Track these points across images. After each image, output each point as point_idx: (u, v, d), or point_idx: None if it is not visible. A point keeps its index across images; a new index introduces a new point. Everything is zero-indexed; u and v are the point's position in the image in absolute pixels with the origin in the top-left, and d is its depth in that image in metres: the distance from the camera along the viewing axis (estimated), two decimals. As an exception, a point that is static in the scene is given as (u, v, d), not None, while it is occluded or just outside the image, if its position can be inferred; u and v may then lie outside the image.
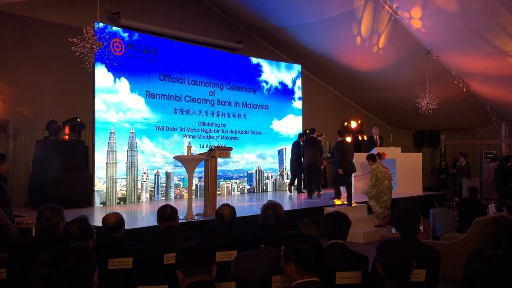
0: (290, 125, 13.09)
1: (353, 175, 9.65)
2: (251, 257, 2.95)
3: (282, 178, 12.83)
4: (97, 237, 3.39)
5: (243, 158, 11.96)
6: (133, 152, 9.72)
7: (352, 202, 9.14)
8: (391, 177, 9.54)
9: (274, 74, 12.83)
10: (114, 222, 3.54)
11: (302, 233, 2.51)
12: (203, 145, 10.83)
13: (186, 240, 3.63)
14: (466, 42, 9.83)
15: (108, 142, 9.34)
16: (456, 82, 11.63)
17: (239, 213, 4.09)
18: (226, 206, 3.87)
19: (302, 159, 10.81)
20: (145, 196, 9.94)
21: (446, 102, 11.53)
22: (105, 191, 9.23)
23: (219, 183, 10.70)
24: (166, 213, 3.76)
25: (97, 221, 6.49)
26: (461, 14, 8.74)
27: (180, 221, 4.12)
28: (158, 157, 10.26)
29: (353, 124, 14.52)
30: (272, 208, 3.83)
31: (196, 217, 7.01)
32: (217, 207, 7.12)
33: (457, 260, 5.11)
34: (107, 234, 3.51)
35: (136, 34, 9.95)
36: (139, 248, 3.53)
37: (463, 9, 8.56)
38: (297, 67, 13.44)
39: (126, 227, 4.56)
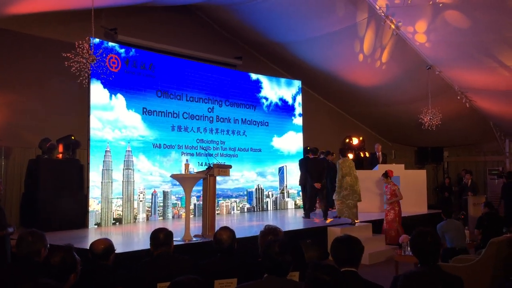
0: (291, 142, 12.83)
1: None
2: (253, 289, 2.64)
3: (283, 197, 12.51)
4: (84, 265, 3.09)
5: (243, 176, 11.66)
6: (129, 170, 9.43)
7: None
8: (400, 193, 9.17)
9: (274, 90, 12.62)
10: (102, 249, 3.22)
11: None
12: (201, 163, 10.55)
13: (181, 268, 3.35)
14: (469, 57, 9.66)
15: (104, 161, 9.06)
16: (459, 97, 11.42)
17: (238, 234, 3.79)
18: (225, 229, 3.56)
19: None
20: (141, 216, 9.61)
21: (448, 118, 11.30)
22: (100, 211, 8.91)
23: (218, 202, 10.39)
24: (159, 240, 3.44)
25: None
26: (465, 29, 8.56)
27: (177, 242, 3.82)
28: (155, 176, 9.97)
29: (355, 141, 14.26)
30: (271, 233, 3.52)
31: (194, 239, 6.68)
32: (216, 228, 6.90)
33: (471, 283, 4.82)
34: (95, 262, 3.20)
35: (133, 50, 9.75)
36: (129, 277, 3.22)
37: (467, 23, 8.38)
38: (297, 83, 13.24)
39: (121, 250, 4.26)
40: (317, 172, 9.53)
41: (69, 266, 2.70)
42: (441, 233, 6.89)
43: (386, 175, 9.34)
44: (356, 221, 8.89)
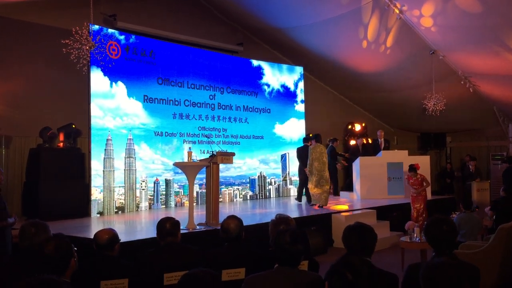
0: (293, 129, 12.72)
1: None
2: (264, 279, 2.56)
3: (286, 184, 12.45)
4: (88, 256, 3.02)
5: (245, 164, 11.59)
6: (131, 159, 9.35)
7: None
8: (427, 181, 8.96)
9: (275, 76, 12.48)
10: (106, 239, 3.14)
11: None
12: (203, 150, 10.46)
13: (189, 258, 3.28)
14: (475, 41, 9.50)
15: (105, 149, 8.97)
16: (462, 82, 11.28)
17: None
18: (232, 218, 3.48)
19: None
20: (144, 204, 9.55)
21: (452, 103, 11.18)
22: (102, 200, 8.84)
23: (220, 190, 10.31)
24: (165, 229, 3.36)
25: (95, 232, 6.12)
26: (475, 13, 8.39)
27: (181, 231, 3.71)
28: (157, 164, 9.89)
29: (357, 127, 14.16)
30: (283, 223, 3.44)
31: (198, 227, 6.64)
32: (220, 216, 6.84)
33: (481, 271, 4.75)
34: (99, 253, 3.12)
35: (133, 37, 9.60)
36: (136, 267, 3.15)
37: (479, 8, 8.20)
38: (299, 69, 13.09)
39: (124, 239, 4.19)
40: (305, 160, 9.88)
41: (65, 252, 2.66)
42: (458, 225, 6.65)
43: (415, 169, 8.59)
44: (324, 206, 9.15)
